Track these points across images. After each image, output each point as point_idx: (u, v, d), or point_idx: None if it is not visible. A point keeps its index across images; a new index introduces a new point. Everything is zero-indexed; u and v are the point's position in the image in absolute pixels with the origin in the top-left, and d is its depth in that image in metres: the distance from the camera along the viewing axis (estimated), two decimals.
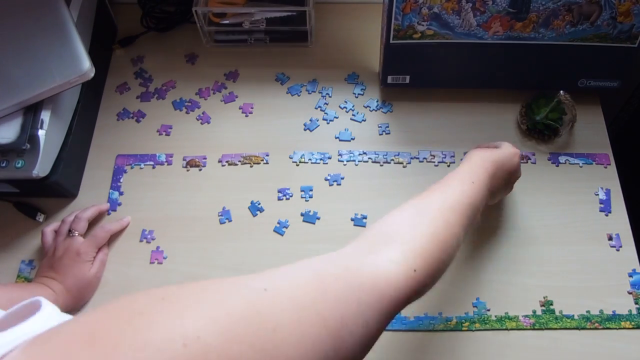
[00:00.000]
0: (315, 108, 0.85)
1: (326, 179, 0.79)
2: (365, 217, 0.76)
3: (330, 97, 0.86)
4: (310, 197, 0.78)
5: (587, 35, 0.76)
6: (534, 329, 0.68)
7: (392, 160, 0.80)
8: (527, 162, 0.80)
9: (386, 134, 0.83)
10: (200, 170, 0.80)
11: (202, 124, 0.84)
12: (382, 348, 0.67)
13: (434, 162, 0.80)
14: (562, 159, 0.80)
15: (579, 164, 0.80)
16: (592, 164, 0.80)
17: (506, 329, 0.69)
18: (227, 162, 0.81)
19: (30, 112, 0.69)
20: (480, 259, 0.73)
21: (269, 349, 0.31)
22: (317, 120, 0.84)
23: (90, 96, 0.83)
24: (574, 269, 0.72)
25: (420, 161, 0.80)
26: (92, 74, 0.70)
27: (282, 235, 0.75)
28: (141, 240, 0.75)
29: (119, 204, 0.78)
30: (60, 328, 0.28)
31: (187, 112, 0.85)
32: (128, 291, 0.70)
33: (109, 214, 0.77)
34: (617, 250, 0.73)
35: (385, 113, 0.85)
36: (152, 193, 0.78)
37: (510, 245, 0.74)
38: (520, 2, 0.72)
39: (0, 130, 0.68)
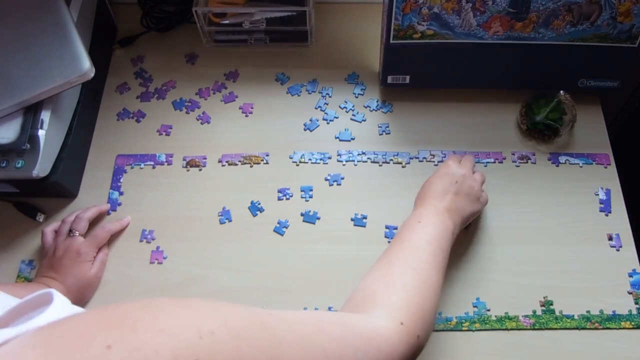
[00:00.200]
0: (315, 108, 0.85)
1: (326, 179, 0.79)
2: (365, 217, 0.76)
3: (330, 97, 0.86)
4: (310, 197, 0.78)
5: (587, 35, 0.76)
6: (534, 329, 0.68)
7: (392, 160, 0.80)
8: (527, 162, 0.80)
9: (386, 134, 0.83)
10: (200, 170, 0.80)
11: (202, 124, 0.84)
12: None
13: (434, 162, 0.80)
14: (562, 159, 0.80)
15: (579, 164, 0.80)
16: (592, 164, 0.80)
17: (506, 329, 0.69)
18: (227, 162, 0.81)
19: (30, 112, 0.69)
20: (480, 259, 0.73)
21: (275, 358, 0.32)
22: (317, 120, 0.84)
23: (90, 96, 0.83)
24: (574, 269, 0.72)
25: (420, 161, 0.80)
26: (92, 74, 0.70)
27: (282, 235, 0.75)
28: (141, 240, 0.75)
29: (119, 204, 0.78)
30: (78, 314, 0.29)
31: (187, 112, 0.86)
32: (128, 291, 0.71)
33: (109, 214, 0.77)
34: (617, 250, 0.73)
35: (385, 113, 0.85)
36: (152, 193, 0.79)
37: (510, 245, 0.74)
38: (520, 2, 0.72)
39: (0, 130, 0.68)
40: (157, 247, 0.74)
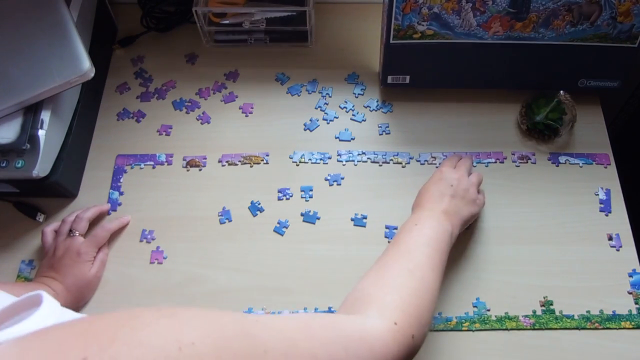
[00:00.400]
0: (315, 108, 0.85)
1: (326, 179, 0.79)
2: (365, 217, 0.76)
3: (330, 97, 0.86)
4: (310, 197, 0.78)
5: (587, 35, 0.76)
6: (534, 329, 0.68)
7: (392, 160, 0.80)
8: (527, 162, 0.80)
9: (386, 134, 0.83)
10: (200, 170, 0.80)
11: (202, 124, 0.84)
12: None
13: (434, 162, 0.80)
14: (562, 159, 0.80)
15: (579, 164, 0.80)
16: (592, 164, 0.80)
17: (506, 329, 0.69)
18: (227, 162, 0.81)
19: (30, 112, 0.69)
20: (480, 259, 0.73)
21: None
22: (317, 120, 0.84)
23: (90, 96, 0.83)
24: (574, 269, 0.72)
25: (419, 161, 0.80)
26: (92, 74, 0.70)
27: (282, 235, 0.75)
28: (141, 240, 0.75)
29: (119, 204, 0.78)
30: (58, 325, 0.29)
31: (187, 112, 0.86)
32: (128, 291, 0.71)
33: (109, 214, 0.77)
34: (617, 250, 0.73)
35: (385, 113, 0.85)
36: (152, 193, 0.79)
37: (510, 245, 0.74)
38: (520, 2, 0.72)
39: (0, 130, 0.68)
40: (157, 247, 0.74)
